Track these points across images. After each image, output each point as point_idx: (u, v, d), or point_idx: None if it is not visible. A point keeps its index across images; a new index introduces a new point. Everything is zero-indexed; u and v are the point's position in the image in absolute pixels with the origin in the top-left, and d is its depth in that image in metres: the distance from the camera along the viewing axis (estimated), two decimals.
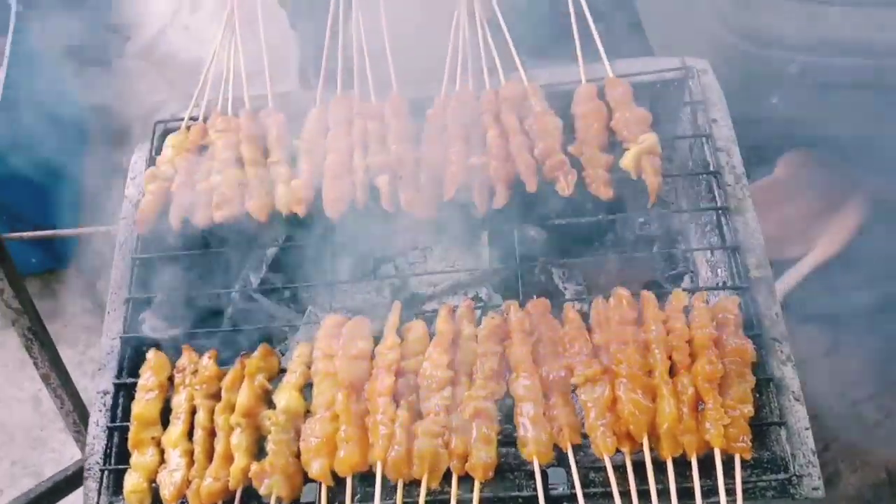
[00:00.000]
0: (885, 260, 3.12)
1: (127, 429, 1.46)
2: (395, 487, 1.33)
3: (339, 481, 1.36)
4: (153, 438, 1.43)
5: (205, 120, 1.78)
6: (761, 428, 1.37)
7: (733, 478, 1.30)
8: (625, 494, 1.30)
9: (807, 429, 1.37)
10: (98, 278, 3.55)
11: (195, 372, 1.48)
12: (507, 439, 1.39)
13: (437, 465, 1.32)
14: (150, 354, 1.51)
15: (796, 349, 1.46)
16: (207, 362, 1.48)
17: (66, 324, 3.48)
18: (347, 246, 1.64)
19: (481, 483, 1.32)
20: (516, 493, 1.35)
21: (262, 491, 1.36)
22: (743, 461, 1.31)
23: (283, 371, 1.49)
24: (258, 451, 1.41)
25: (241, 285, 1.78)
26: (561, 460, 1.36)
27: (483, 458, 1.32)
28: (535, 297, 1.51)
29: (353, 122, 1.68)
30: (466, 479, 1.34)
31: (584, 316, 1.48)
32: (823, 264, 3.07)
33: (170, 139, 1.73)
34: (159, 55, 4.51)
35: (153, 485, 1.41)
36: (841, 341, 3.10)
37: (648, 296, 1.46)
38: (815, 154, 3.30)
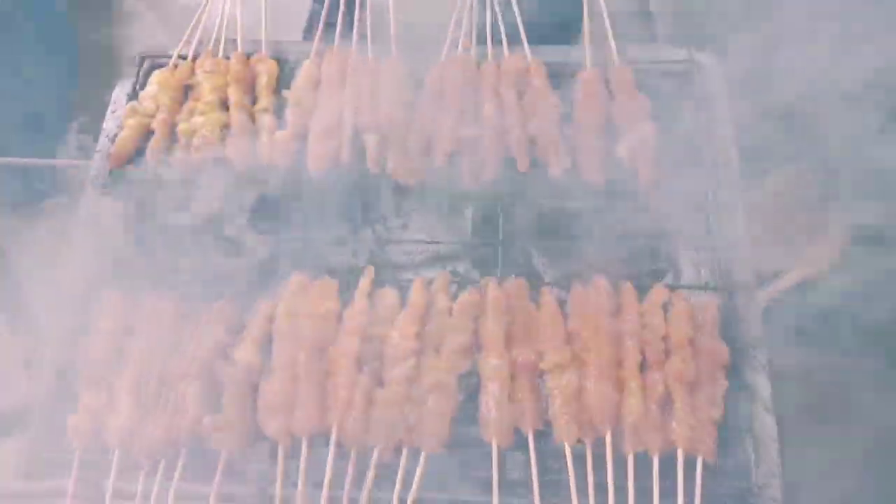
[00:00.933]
0: (863, 284, 3.13)
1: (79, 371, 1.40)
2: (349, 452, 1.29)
3: (294, 442, 1.32)
4: (104, 381, 1.38)
5: (194, 60, 1.71)
6: (728, 434, 1.34)
7: (694, 481, 1.27)
8: (581, 487, 1.27)
9: (774, 440, 1.34)
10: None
11: (154, 318, 1.42)
12: (471, 418, 1.35)
13: (393, 434, 1.28)
14: (109, 296, 1.45)
15: (771, 363, 1.44)
16: (167, 308, 1.43)
17: None
18: (327, 205, 1.59)
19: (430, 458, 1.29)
20: (472, 474, 1.32)
21: (213, 444, 1.31)
22: (705, 466, 1.29)
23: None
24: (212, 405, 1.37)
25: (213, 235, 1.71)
26: (521, 446, 1.33)
27: (434, 430, 1.29)
28: (514, 277, 1.47)
29: (346, 78, 1.62)
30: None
31: (562, 303, 1.45)
32: (802, 283, 3.08)
33: (155, 75, 1.67)
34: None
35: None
36: (814, 360, 3.11)
37: (628, 287, 1.43)
38: (803, 172, 3.30)
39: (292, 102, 1.61)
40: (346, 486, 1.27)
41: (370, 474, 1.27)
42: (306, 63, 1.66)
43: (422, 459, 1.29)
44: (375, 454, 1.28)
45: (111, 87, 1.74)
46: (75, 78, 3.68)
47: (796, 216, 3.25)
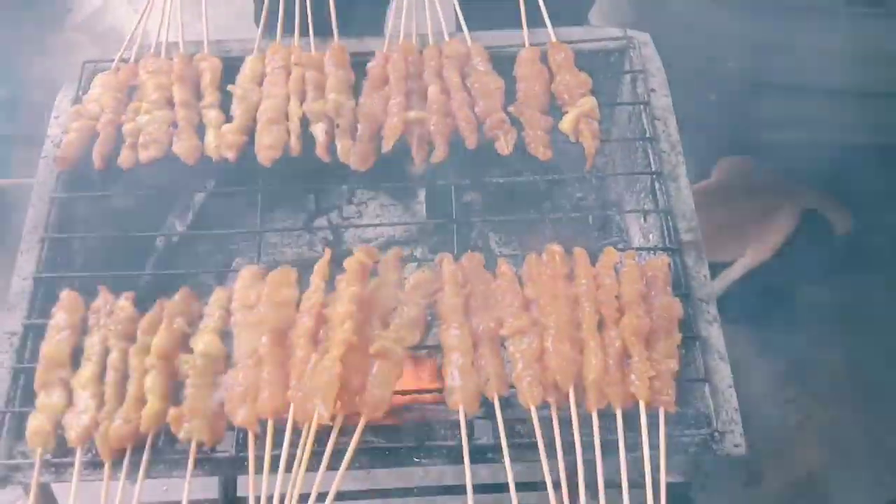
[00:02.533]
0: (813, 266, 3.23)
1: (34, 371, 1.37)
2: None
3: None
4: (61, 380, 1.35)
5: (136, 62, 1.71)
6: (686, 385, 1.38)
7: (657, 432, 1.30)
8: (550, 446, 1.28)
9: (730, 387, 1.38)
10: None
11: (111, 313, 1.41)
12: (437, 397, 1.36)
13: (328, 397, 1.26)
14: (64, 294, 1.43)
15: (727, 350, 1.47)
16: (124, 303, 1.41)
17: None
18: (279, 196, 1.60)
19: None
20: (441, 443, 1.32)
21: (181, 436, 1.29)
22: (667, 416, 1.32)
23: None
24: (174, 397, 1.35)
25: (165, 232, 1.71)
26: (487, 415, 1.34)
27: (375, 395, 1.29)
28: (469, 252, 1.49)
29: (290, 70, 1.64)
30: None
31: (519, 279, 1.48)
32: (755, 268, 3.16)
33: (98, 78, 1.66)
34: (102, 29, 4.38)
35: (59, 431, 1.33)
36: (768, 343, 3.20)
37: (581, 252, 1.46)
38: (750, 160, 3.41)
39: (238, 97, 1.61)
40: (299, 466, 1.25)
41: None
42: (249, 58, 1.67)
43: (360, 425, 1.27)
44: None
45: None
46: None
47: (741, 204, 3.36)
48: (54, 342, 1.38)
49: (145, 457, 1.30)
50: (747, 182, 3.38)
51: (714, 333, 1.42)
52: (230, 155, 1.54)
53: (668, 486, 1.26)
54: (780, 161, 3.34)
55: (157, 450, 1.32)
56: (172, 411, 1.30)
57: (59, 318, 1.41)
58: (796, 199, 3.24)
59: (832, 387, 3.05)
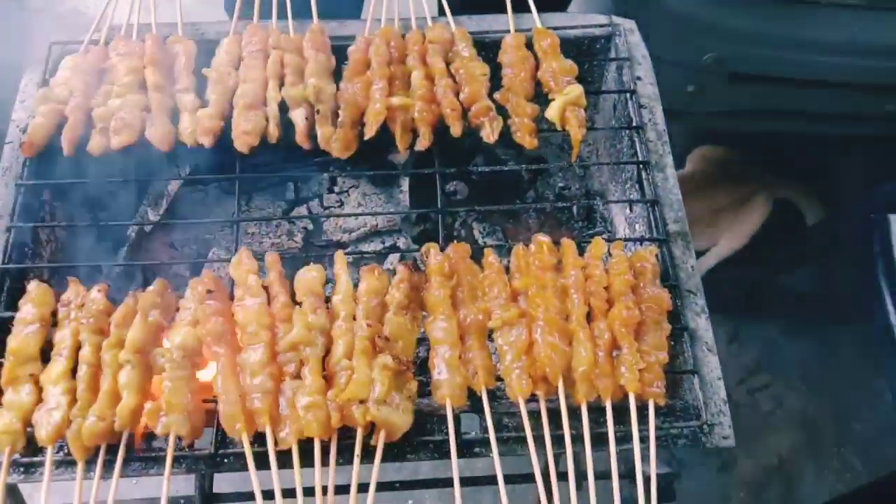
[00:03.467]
0: (785, 255, 3.27)
1: (0, 367, 1.31)
2: None
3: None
4: (31, 375, 1.29)
5: (106, 44, 1.64)
6: (675, 376, 1.37)
7: (647, 424, 1.28)
8: (539, 440, 1.26)
9: (719, 379, 1.37)
10: None
11: (82, 306, 1.35)
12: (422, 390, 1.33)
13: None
14: (32, 285, 1.37)
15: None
16: (97, 296, 1.35)
17: None
18: (257, 184, 1.55)
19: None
20: (427, 438, 1.29)
21: (158, 430, 1.24)
22: (657, 408, 1.30)
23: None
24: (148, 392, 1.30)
25: (138, 221, 1.64)
26: (474, 408, 1.32)
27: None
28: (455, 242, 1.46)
29: (268, 53, 1.59)
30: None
31: (505, 270, 1.45)
32: (728, 256, 3.19)
33: (66, 60, 1.59)
34: (63, 10, 4.24)
35: (29, 428, 1.27)
36: (741, 332, 3.23)
37: (569, 243, 1.44)
38: (724, 150, 3.43)
39: (213, 80, 1.55)
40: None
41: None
42: (225, 40, 1.61)
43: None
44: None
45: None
46: None
47: (715, 194, 3.38)
48: (22, 336, 1.31)
49: (120, 455, 1.25)
50: (721, 171, 3.41)
51: (702, 325, 1.41)
52: (206, 141, 1.49)
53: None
54: (753, 151, 3.37)
55: (131, 447, 1.27)
56: (149, 405, 1.25)
57: (27, 310, 1.34)
58: (769, 188, 3.27)
59: (803, 374, 3.10)
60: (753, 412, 3.04)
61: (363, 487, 1.22)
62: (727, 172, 3.40)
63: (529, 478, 1.28)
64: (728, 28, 2.45)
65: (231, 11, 1.65)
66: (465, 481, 1.25)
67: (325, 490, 1.20)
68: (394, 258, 1.62)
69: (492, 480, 1.30)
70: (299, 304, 1.34)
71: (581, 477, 1.25)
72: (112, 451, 1.25)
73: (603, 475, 1.24)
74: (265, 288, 1.36)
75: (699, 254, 2.97)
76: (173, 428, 1.24)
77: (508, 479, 1.25)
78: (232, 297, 1.36)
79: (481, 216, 1.78)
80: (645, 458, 1.26)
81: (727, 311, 3.23)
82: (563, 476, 1.25)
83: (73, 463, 1.25)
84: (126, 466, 1.25)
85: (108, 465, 1.24)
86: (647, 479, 1.24)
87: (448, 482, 1.27)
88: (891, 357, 2.28)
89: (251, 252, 1.38)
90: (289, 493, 1.20)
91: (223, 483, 1.53)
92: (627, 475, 1.27)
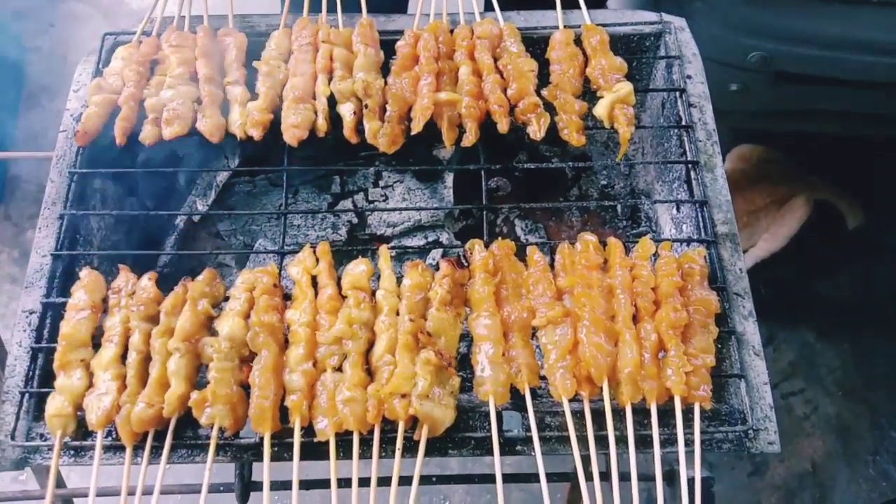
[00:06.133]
0: (823, 259, 3.22)
1: (53, 351, 1.33)
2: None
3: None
4: (82, 360, 1.32)
5: (158, 36, 1.66)
6: (721, 380, 1.35)
7: (691, 428, 1.27)
8: (582, 440, 1.26)
9: (765, 384, 1.35)
10: (28, 226, 3.34)
11: (132, 294, 1.37)
12: (463, 385, 1.34)
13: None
14: (84, 272, 1.39)
15: None
16: (147, 283, 1.37)
17: None
18: (304, 177, 1.55)
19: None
20: (469, 434, 1.30)
21: (203, 420, 1.26)
22: (702, 412, 1.29)
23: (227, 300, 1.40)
24: (197, 380, 1.32)
25: (186, 211, 1.66)
26: (517, 406, 1.31)
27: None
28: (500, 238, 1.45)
29: (318, 47, 1.59)
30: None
31: (549, 266, 1.44)
32: (765, 258, 3.14)
33: (119, 51, 1.61)
34: (108, 2, 4.30)
35: (79, 412, 1.30)
36: (777, 335, 3.19)
37: (615, 242, 1.42)
38: (764, 149, 3.38)
39: (263, 73, 1.57)
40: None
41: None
42: (275, 33, 1.62)
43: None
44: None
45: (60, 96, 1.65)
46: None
47: (754, 193, 3.33)
48: (74, 322, 1.34)
49: (168, 441, 1.27)
50: (760, 171, 3.36)
51: (749, 329, 1.39)
52: (256, 133, 1.50)
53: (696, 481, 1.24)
54: (794, 151, 3.32)
55: (179, 434, 1.29)
56: (195, 395, 1.27)
57: (79, 297, 1.37)
58: (810, 189, 3.22)
59: (839, 380, 3.06)
60: (788, 417, 3.00)
61: (403, 480, 1.22)
62: (766, 172, 3.35)
63: (563, 476, 1.28)
64: (774, 27, 2.41)
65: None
66: (502, 478, 1.25)
67: (366, 482, 1.21)
68: (436, 253, 1.62)
69: (526, 478, 1.30)
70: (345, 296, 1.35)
71: (623, 478, 1.24)
72: (159, 437, 1.27)
73: (644, 477, 1.24)
74: (313, 277, 1.37)
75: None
76: (217, 419, 1.25)
77: (547, 477, 1.24)
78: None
79: (524, 213, 1.78)
80: (688, 461, 1.25)
81: (763, 314, 3.18)
82: (603, 476, 1.25)
83: (120, 448, 1.27)
84: (173, 453, 1.27)
85: (155, 452, 1.26)
86: (689, 482, 1.23)
87: (483, 478, 1.27)
88: None
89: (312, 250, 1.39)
90: (342, 482, 1.21)
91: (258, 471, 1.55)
92: (668, 477, 1.26)
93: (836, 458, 2.92)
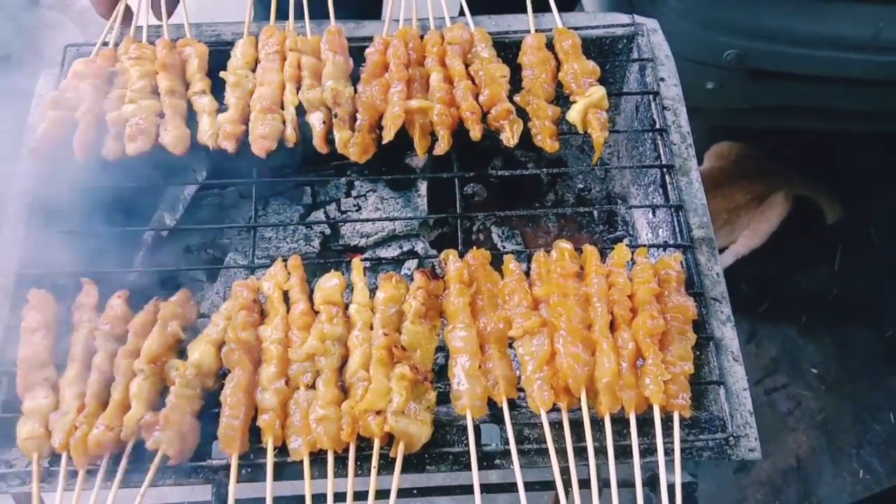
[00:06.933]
0: (803, 254, 3.23)
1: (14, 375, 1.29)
2: None
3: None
4: (46, 380, 1.28)
5: (116, 46, 1.62)
6: (700, 387, 1.34)
7: (671, 437, 1.26)
8: (561, 451, 1.24)
9: (745, 389, 1.34)
10: None
11: (94, 308, 1.33)
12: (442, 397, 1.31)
13: None
14: (32, 293, 1.34)
15: None
16: (117, 302, 1.34)
17: None
18: (274, 189, 1.52)
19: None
20: (447, 449, 1.27)
21: (148, 444, 1.21)
22: (681, 420, 1.27)
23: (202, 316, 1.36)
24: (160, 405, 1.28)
25: (154, 226, 1.62)
26: (494, 418, 1.29)
27: None
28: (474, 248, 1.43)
29: (285, 55, 1.56)
30: None
31: (525, 274, 1.42)
32: (746, 255, 3.15)
33: (76, 64, 1.56)
34: (79, 7, 4.23)
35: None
36: (759, 331, 3.20)
37: (591, 250, 1.41)
38: (743, 146, 3.38)
39: (231, 84, 1.53)
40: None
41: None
42: (240, 42, 1.59)
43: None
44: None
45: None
46: None
47: (733, 191, 3.34)
48: (29, 344, 1.30)
49: (123, 465, 1.22)
50: (739, 168, 3.36)
51: (728, 334, 1.38)
52: (230, 146, 1.47)
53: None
54: (772, 148, 3.33)
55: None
56: (148, 416, 1.22)
57: (31, 317, 1.32)
58: (788, 186, 3.23)
59: (821, 374, 3.07)
60: (772, 413, 3.01)
61: (382, 494, 1.20)
62: (745, 169, 3.35)
63: (547, 485, 1.26)
64: (749, 25, 2.41)
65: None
66: (482, 488, 1.23)
67: (342, 497, 1.18)
68: (411, 263, 1.59)
69: (509, 488, 1.28)
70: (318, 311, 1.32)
71: (603, 485, 1.23)
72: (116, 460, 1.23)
73: (625, 483, 1.22)
74: (285, 292, 1.34)
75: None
76: (163, 445, 1.21)
77: (527, 487, 1.23)
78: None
79: (500, 220, 1.75)
80: (668, 468, 1.23)
81: (744, 311, 3.20)
82: (584, 484, 1.23)
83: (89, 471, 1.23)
84: (133, 476, 1.23)
85: (111, 475, 1.22)
86: (669, 488, 1.21)
87: (464, 489, 1.25)
88: None
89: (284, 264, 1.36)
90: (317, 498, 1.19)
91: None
92: (649, 483, 1.25)
93: (821, 452, 2.93)
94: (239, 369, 1.27)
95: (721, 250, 3.07)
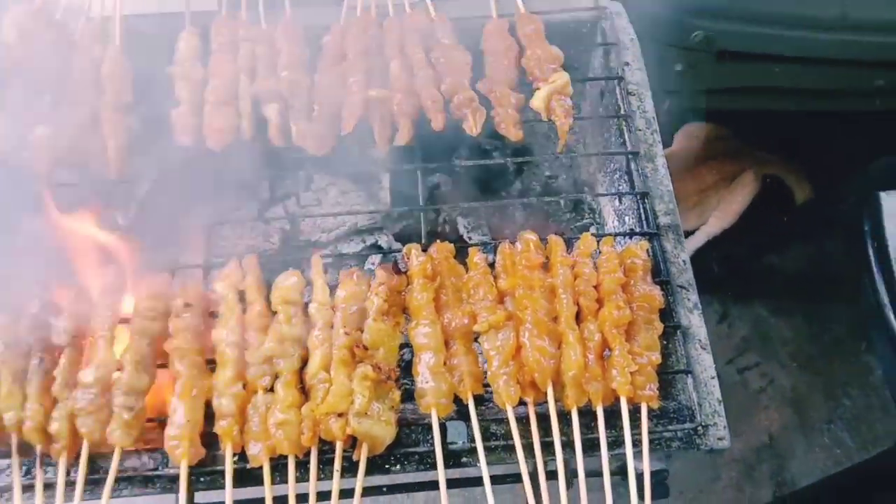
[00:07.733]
0: (774, 233, 3.25)
1: None
2: None
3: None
4: None
5: None
6: (668, 377, 1.32)
7: (639, 428, 1.24)
8: (528, 447, 1.21)
9: (713, 378, 1.32)
10: None
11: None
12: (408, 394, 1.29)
13: None
14: None
15: None
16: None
17: None
18: (231, 184, 1.48)
19: None
20: (412, 449, 1.25)
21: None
22: (649, 411, 1.26)
23: None
24: None
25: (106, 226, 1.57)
26: (461, 415, 1.27)
27: None
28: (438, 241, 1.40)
29: (238, 46, 1.51)
30: None
31: (491, 266, 1.39)
32: (717, 235, 3.15)
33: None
34: None
35: None
36: (730, 311, 3.21)
37: (556, 240, 1.38)
38: (712, 127, 3.38)
39: (180, 77, 1.48)
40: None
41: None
42: (182, 34, 1.53)
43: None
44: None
45: None
46: None
47: (703, 172, 3.33)
48: None
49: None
50: (708, 149, 3.36)
51: (695, 322, 1.36)
52: (187, 140, 1.42)
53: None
54: (742, 128, 3.33)
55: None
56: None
57: None
58: (758, 165, 3.23)
59: (793, 352, 3.09)
60: (744, 391, 3.03)
61: (347, 493, 1.17)
62: (715, 150, 3.35)
63: (520, 478, 1.24)
64: (717, 6, 2.39)
65: None
66: (452, 483, 1.22)
67: (304, 498, 1.16)
68: (375, 258, 1.56)
69: (481, 482, 1.26)
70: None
71: (572, 476, 1.21)
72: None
73: (594, 473, 1.20)
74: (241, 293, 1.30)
75: (688, 233, 2.94)
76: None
77: (498, 480, 1.21)
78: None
79: (466, 211, 1.72)
80: (637, 457, 1.22)
81: (716, 291, 3.21)
82: (552, 475, 1.21)
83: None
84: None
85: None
86: (639, 477, 1.20)
87: (435, 485, 1.23)
88: (880, 334, 2.26)
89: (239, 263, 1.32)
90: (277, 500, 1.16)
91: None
92: (619, 472, 1.23)
93: (793, 429, 2.96)
94: (182, 375, 1.22)
95: (692, 231, 3.08)
